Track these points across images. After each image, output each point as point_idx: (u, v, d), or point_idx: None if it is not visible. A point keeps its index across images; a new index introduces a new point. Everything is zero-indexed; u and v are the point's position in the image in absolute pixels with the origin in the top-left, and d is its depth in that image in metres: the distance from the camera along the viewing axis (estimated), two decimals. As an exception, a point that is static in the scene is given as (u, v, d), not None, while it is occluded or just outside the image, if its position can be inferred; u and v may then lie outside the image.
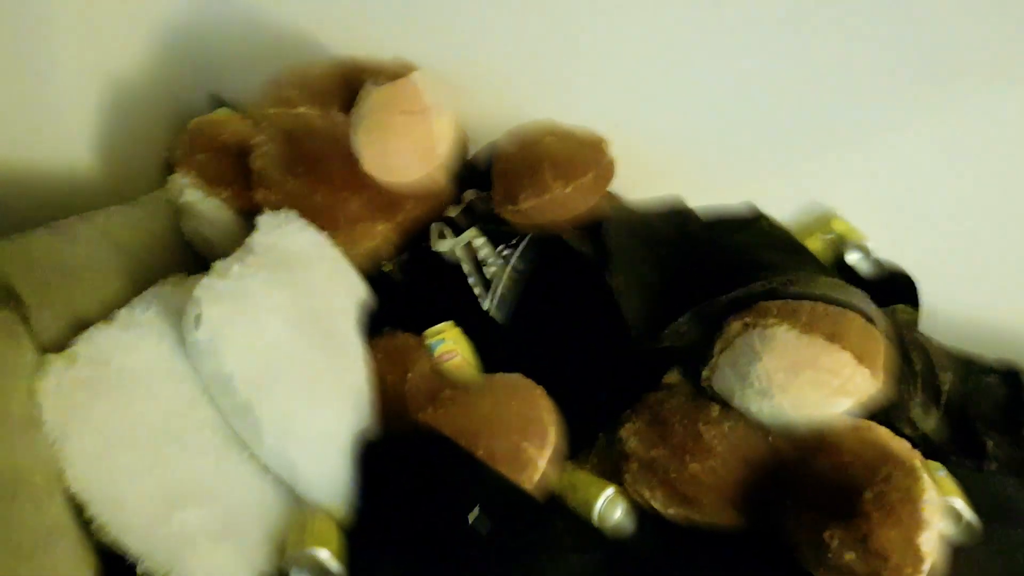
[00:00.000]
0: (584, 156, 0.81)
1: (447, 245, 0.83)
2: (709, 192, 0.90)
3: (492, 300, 0.79)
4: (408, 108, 0.79)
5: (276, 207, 0.77)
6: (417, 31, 0.99)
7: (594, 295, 0.78)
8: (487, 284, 0.80)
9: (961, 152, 0.95)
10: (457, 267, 0.82)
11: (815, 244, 0.99)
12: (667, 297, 0.76)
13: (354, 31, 1.00)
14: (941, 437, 0.74)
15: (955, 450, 0.74)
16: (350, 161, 0.81)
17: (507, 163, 0.83)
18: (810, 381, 0.65)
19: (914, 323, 0.90)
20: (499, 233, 0.82)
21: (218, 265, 0.66)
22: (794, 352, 0.65)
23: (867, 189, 1.01)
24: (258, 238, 0.71)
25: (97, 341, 0.62)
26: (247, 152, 0.82)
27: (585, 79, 1.00)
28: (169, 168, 0.85)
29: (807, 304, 0.67)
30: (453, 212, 0.86)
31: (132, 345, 0.63)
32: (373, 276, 0.82)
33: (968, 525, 0.64)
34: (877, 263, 0.98)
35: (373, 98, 0.80)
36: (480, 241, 0.82)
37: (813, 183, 1.02)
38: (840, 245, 1.00)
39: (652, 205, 0.89)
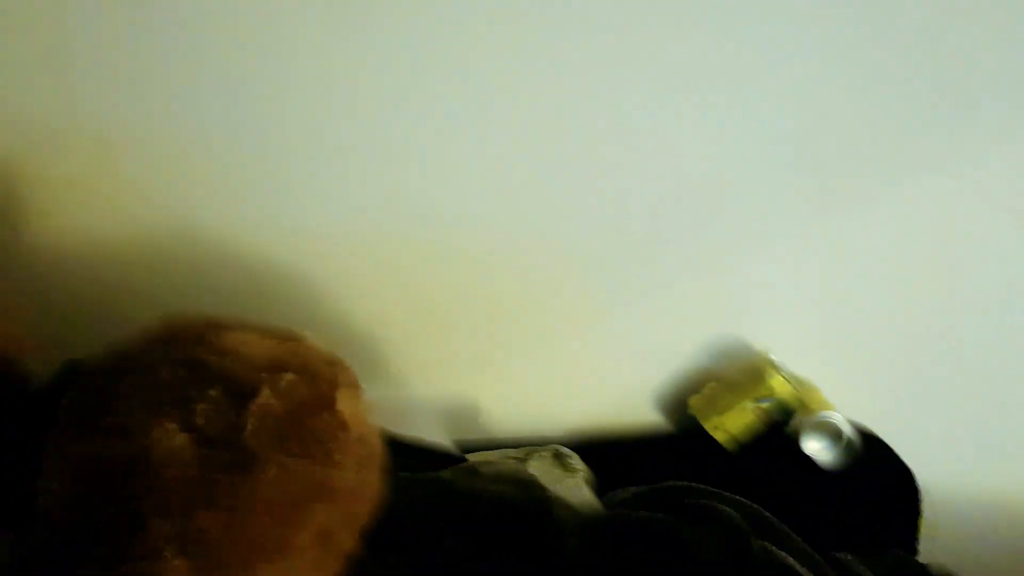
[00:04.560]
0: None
1: None
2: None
3: None
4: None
5: None
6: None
7: None
8: None
9: (855, 252, 0.79)
10: None
11: (744, 418, 0.70)
12: None
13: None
14: None
15: None
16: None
17: None
18: None
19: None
20: None
21: None
22: None
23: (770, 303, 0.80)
24: None
25: None
26: None
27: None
28: None
29: None
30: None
31: None
32: None
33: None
34: (849, 444, 0.68)
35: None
36: None
37: (711, 309, 0.80)
38: (777, 414, 0.70)
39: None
